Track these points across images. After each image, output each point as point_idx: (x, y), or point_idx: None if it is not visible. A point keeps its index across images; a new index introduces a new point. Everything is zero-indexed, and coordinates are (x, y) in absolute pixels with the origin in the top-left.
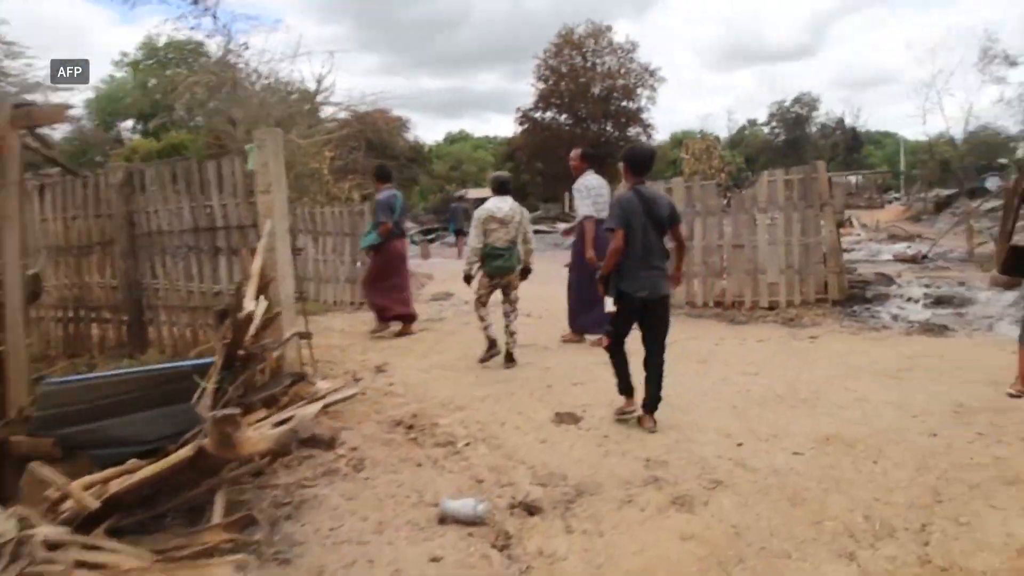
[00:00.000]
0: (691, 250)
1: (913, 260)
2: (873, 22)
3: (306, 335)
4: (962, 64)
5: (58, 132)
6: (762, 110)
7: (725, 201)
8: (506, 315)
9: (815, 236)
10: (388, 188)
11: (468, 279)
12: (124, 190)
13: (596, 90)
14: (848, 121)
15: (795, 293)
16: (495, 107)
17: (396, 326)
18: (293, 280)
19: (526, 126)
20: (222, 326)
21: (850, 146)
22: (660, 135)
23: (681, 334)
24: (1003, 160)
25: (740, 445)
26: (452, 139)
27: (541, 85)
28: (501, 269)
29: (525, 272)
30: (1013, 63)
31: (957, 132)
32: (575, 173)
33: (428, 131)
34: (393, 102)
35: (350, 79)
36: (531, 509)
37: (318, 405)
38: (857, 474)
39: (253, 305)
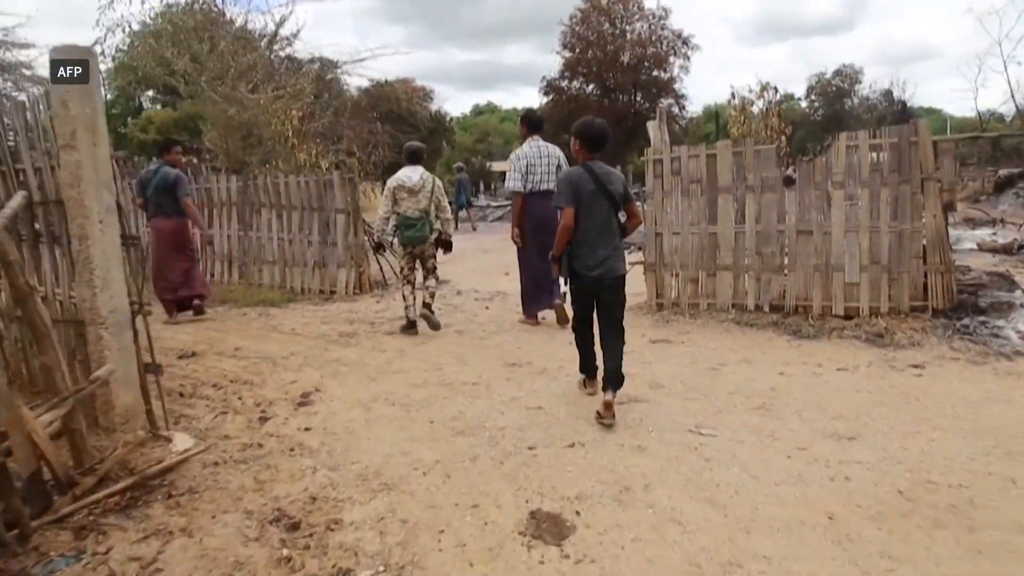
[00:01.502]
0: (742, 235)
1: (1006, 251)
2: None
3: (154, 368)
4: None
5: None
6: (796, 85)
7: (788, 171)
8: (424, 279)
9: (913, 222)
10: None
11: (379, 248)
12: None
13: (625, 58)
14: (895, 94)
15: (882, 298)
16: (524, 80)
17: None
18: (124, 284)
19: (551, 97)
20: None
21: (898, 120)
22: (693, 107)
23: (728, 354)
24: None
25: None
26: (479, 111)
27: (567, 54)
28: (413, 239)
29: (446, 244)
30: None
31: (1008, 108)
32: (520, 141)
33: (456, 104)
34: (416, 74)
35: (379, 50)
36: None
37: None
38: None
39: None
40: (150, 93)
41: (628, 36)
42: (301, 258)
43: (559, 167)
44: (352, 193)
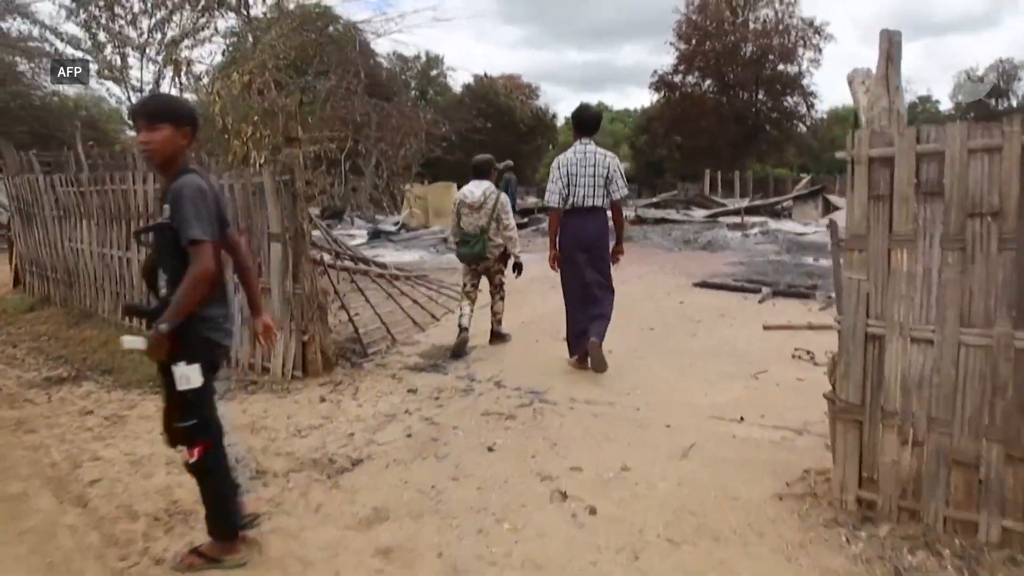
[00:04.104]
0: None
1: None
2: None
3: None
4: None
5: None
6: (933, 86)
7: None
8: (491, 296)
9: None
10: None
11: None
12: None
13: (747, 51)
14: None
15: None
16: (637, 81)
17: None
18: None
19: (663, 93)
20: None
21: None
22: (823, 106)
23: None
24: None
25: None
26: None
27: (682, 45)
28: (467, 256)
29: (517, 267)
30: None
31: None
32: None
33: (569, 104)
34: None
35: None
36: None
37: None
38: None
39: None
40: None
41: (751, 25)
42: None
43: (608, 180)
44: (294, 208)
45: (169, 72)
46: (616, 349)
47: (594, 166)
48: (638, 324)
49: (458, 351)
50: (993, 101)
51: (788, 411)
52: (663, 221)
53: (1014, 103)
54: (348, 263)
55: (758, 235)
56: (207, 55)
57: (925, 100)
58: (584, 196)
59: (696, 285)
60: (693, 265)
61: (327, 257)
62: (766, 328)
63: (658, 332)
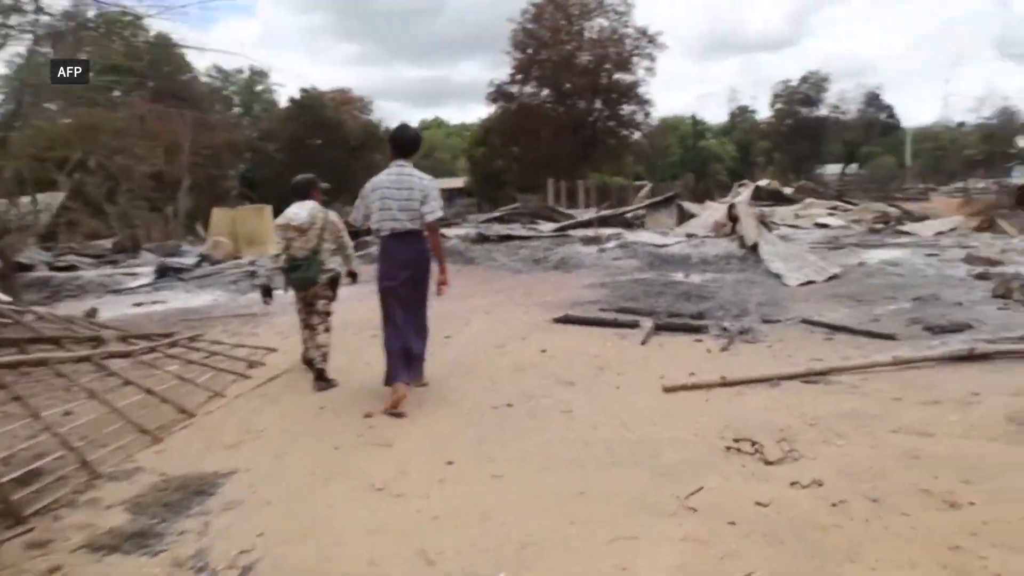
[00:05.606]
0: None
1: None
2: (857, 12)
3: None
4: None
5: None
6: (747, 100)
7: None
8: (313, 327)
9: None
10: None
11: (267, 292)
12: None
13: (584, 59)
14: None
15: None
16: (476, 97)
17: None
18: None
19: (500, 103)
20: None
21: (886, 128)
22: (660, 113)
23: None
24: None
25: None
26: (425, 127)
27: (518, 55)
28: (300, 280)
29: (352, 275)
30: None
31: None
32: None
33: (406, 120)
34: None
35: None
36: None
37: None
38: None
39: None
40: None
41: (587, 35)
42: None
43: (424, 203)
44: None
45: None
46: (457, 449)
47: (410, 189)
48: (488, 396)
49: (322, 387)
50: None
51: None
52: (509, 238)
53: (823, 112)
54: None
55: (615, 249)
56: None
57: (744, 110)
58: (401, 220)
59: (557, 321)
60: (548, 290)
61: None
62: (668, 391)
63: (518, 410)
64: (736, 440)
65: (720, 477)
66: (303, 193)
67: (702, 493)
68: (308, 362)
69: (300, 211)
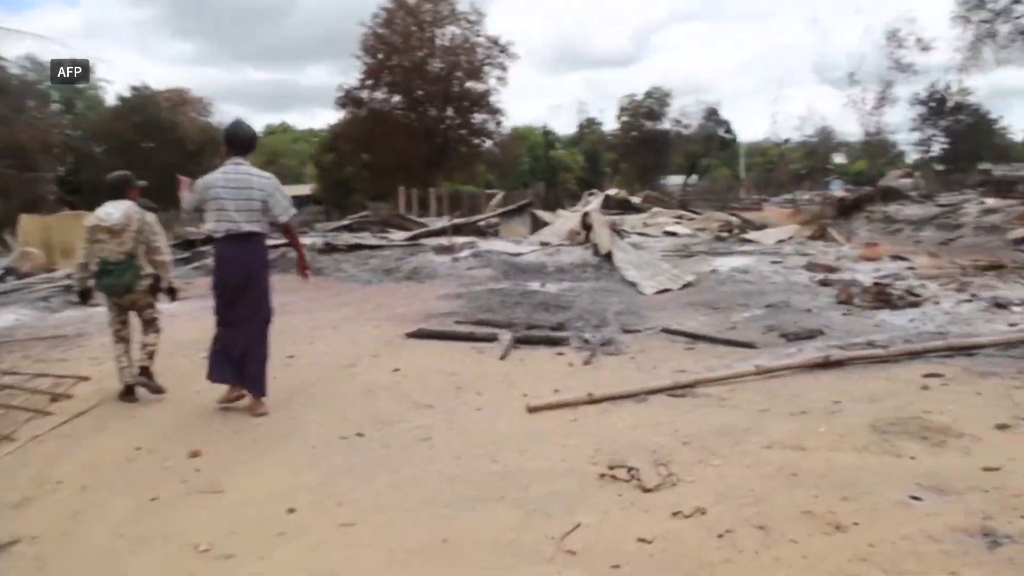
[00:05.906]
0: None
1: None
2: (694, 34)
3: None
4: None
5: None
6: (596, 113)
7: None
8: (143, 333)
9: None
10: None
11: (85, 295)
12: None
13: (436, 67)
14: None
15: None
16: (323, 102)
17: None
18: None
19: (349, 109)
20: None
21: (724, 142)
22: (511, 122)
23: None
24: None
25: None
26: (271, 131)
27: (369, 60)
28: (113, 287)
29: (170, 291)
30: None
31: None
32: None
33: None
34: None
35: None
36: None
37: None
38: None
39: None
40: None
41: (438, 42)
42: None
43: (267, 204)
44: None
45: None
46: (300, 492)
47: (248, 188)
48: (336, 424)
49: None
50: (648, 123)
51: None
52: (358, 247)
53: (667, 125)
54: None
55: (470, 258)
56: None
57: (592, 122)
58: (238, 221)
59: (411, 336)
60: (400, 302)
61: None
62: (532, 411)
63: (369, 440)
64: (611, 467)
65: (597, 511)
66: (117, 191)
67: (579, 531)
68: (128, 389)
69: (113, 211)
